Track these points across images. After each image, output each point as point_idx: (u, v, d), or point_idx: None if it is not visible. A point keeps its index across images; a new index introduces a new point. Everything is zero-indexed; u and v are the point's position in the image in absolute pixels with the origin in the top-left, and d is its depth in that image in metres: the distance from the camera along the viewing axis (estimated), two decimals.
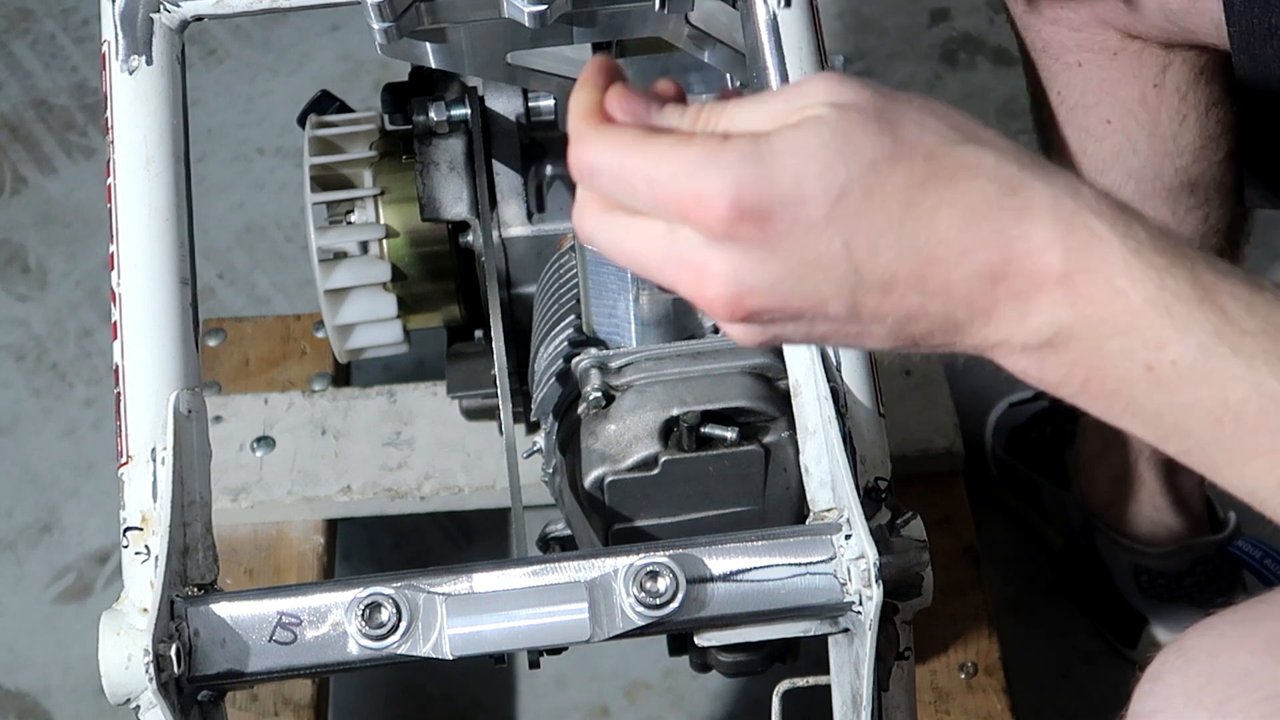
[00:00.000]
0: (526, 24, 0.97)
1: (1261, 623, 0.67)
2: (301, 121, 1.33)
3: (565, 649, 0.96)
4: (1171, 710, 0.67)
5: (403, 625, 0.89)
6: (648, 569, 0.89)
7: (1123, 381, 0.63)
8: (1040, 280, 0.62)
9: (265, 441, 1.51)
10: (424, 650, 0.89)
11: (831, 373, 0.94)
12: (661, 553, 0.90)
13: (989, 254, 0.63)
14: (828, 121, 0.63)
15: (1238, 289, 0.61)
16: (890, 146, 0.63)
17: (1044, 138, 1.32)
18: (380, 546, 1.66)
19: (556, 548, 1.19)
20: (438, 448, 1.49)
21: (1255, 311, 0.61)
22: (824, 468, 0.94)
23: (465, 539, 1.66)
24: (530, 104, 1.22)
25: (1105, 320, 0.62)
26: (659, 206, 0.65)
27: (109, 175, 0.98)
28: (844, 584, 0.91)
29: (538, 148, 1.26)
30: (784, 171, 0.63)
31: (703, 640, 0.96)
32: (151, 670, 0.86)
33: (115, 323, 0.96)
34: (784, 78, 1.00)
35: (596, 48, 1.14)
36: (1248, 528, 1.50)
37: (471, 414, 1.41)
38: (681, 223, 0.64)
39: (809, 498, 0.95)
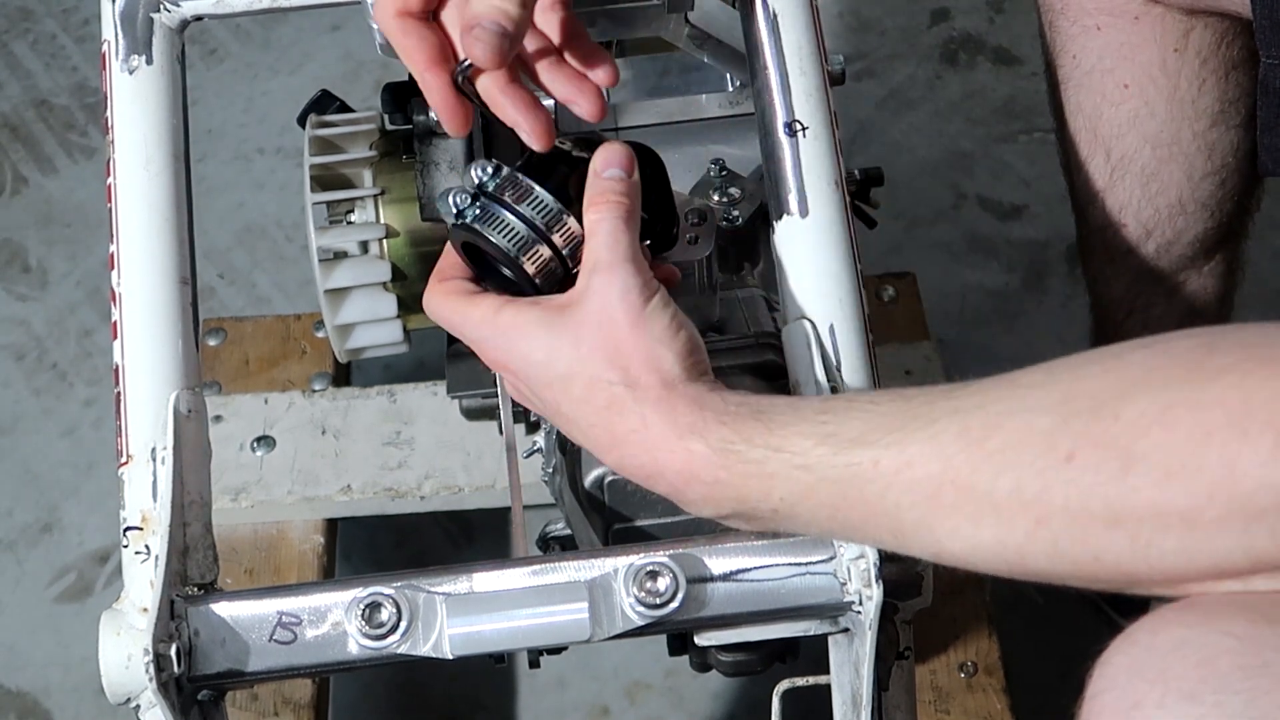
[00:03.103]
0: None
1: (1199, 603, 0.72)
2: (302, 121, 1.33)
3: (565, 649, 0.96)
4: (1116, 688, 0.71)
5: (403, 625, 0.89)
6: (648, 569, 0.89)
7: (777, 522, 0.82)
8: (676, 489, 0.83)
9: (265, 441, 1.51)
10: (424, 650, 0.89)
11: (831, 372, 0.94)
12: (661, 552, 0.90)
13: (634, 466, 0.84)
14: (552, 333, 0.85)
15: (799, 427, 0.79)
16: (567, 376, 0.84)
17: (1057, 102, 1.32)
18: (380, 546, 1.66)
19: (556, 548, 1.19)
20: (438, 448, 1.50)
21: (809, 435, 0.79)
22: None
23: (465, 539, 1.66)
24: None
25: (728, 499, 0.82)
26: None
27: (109, 175, 0.98)
28: (844, 583, 0.91)
29: None
30: (517, 356, 0.87)
31: (703, 640, 0.96)
32: (151, 670, 0.86)
33: (115, 322, 0.96)
34: (784, 78, 1.00)
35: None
36: None
37: (471, 414, 1.41)
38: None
39: None
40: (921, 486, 0.75)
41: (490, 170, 0.89)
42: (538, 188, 0.88)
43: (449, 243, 0.92)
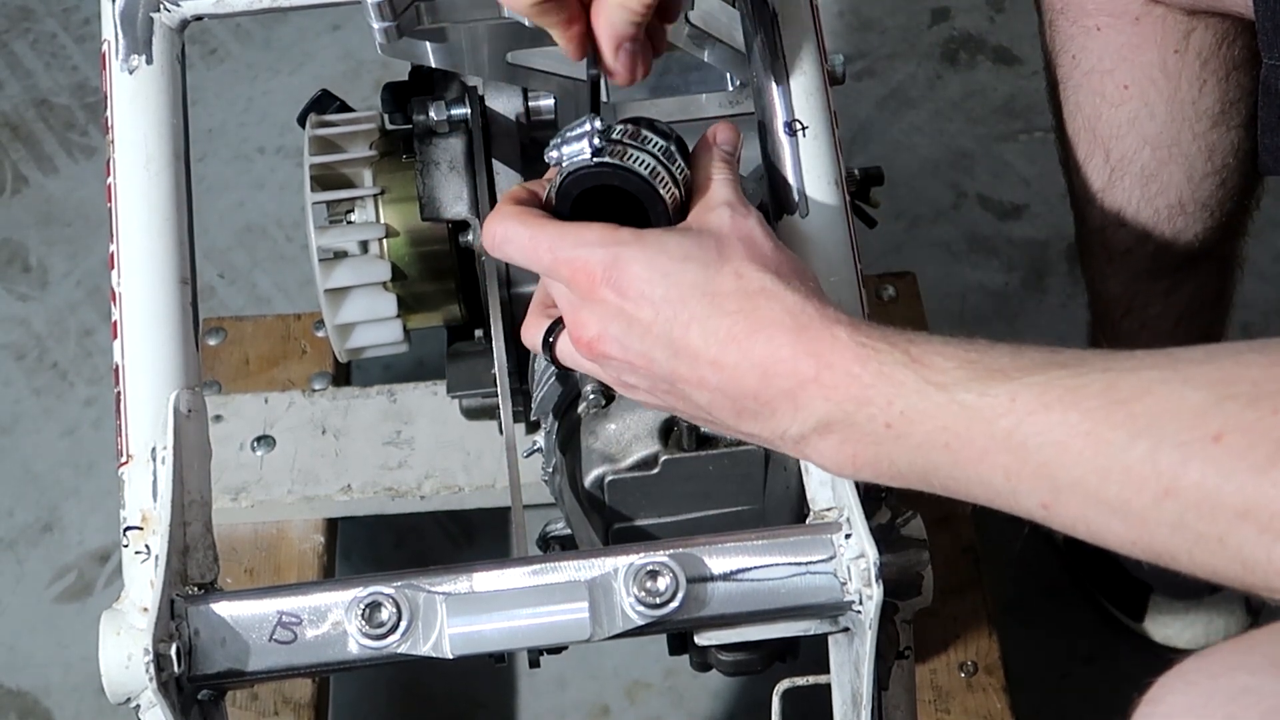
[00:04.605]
0: (527, 24, 0.97)
1: (1261, 645, 0.69)
2: (302, 121, 1.33)
3: (565, 648, 0.96)
4: None
5: (403, 625, 0.89)
6: (648, 568, 0.89)
7: (877, 444, 0.80)
8: (801, 380, 0.81)
9: (265, 441, 1.51)
10: (424, 650, 0.89)
11: None
12: (661, 552, 0.90)
13: (763, 354, 0.82)
14: (689, 237, 0.86)
15: (941, 349, 0.79)
16: (717, 264, 0.84)
17: (1056, 102, 1.32)
18: (380, 546, 1.66)
19: (556, 547, 1.19)
20: (438, 447, 1.50)
21: (951, 358, 0.79)
22: None
23: (465, 538, 1.66)
24: (530, 104, 1.22)
25: (849, 399, 0.80)
26: (554, 271, 0.87)
27: (109, 175, 0.98)
28: (844, 583, 0.91)
29: (537, 148, 1.26)
30: (643, 263, 0.84)
31: (703, 639, 0.96)
32: (151, 669, 0.86)
33: (115, 322, 0.96)
34: (783, 78, 1.00)
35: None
36: None
37: (471, 413, 1.41)
38: (568, 283, 0.86)
39: (809, 497, 0.95)
40: (1054, 431, 0.74)
41: (603, 124, 0.91)
42: (658, 137, 0.92)
43: (513, 191, 0.93)
